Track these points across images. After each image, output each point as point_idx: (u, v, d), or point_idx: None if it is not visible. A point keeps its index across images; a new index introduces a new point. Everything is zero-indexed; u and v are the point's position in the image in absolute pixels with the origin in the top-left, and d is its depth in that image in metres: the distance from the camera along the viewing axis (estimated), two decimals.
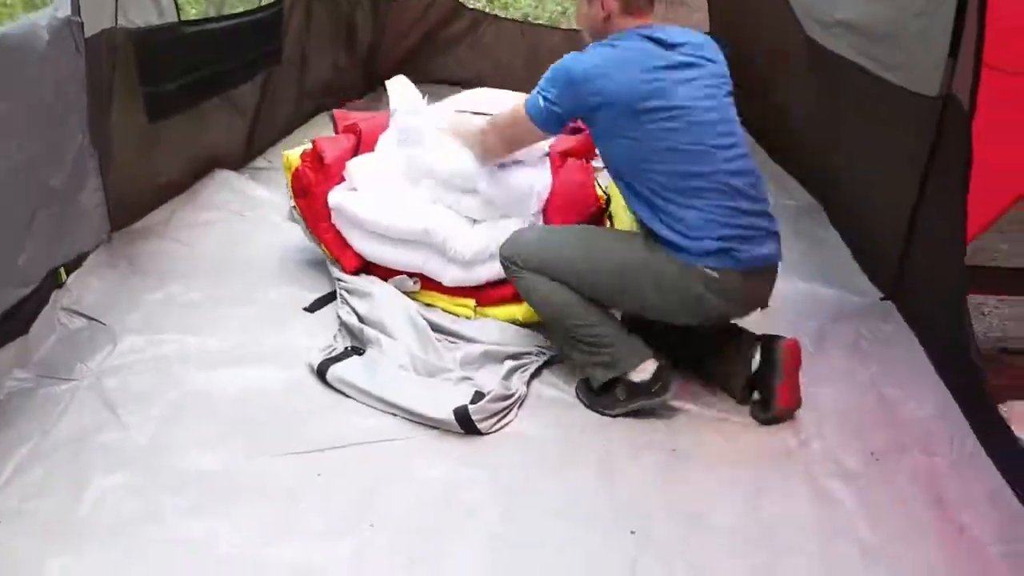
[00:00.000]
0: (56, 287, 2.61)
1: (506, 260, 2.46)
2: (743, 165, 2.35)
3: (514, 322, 2.69)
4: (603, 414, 2.37)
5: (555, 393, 2.47)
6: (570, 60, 2.32)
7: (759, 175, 2.41)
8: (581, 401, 2.43)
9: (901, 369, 2.62)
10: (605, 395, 2.40)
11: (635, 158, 2.29)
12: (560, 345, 2.54)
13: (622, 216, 2.72)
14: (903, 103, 2.85)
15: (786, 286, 3.15)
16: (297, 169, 2.96)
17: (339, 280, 2.83)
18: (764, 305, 2.46)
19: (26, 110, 2.02)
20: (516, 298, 2.62)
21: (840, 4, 3.37)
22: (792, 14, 3.99)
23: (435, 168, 2.75)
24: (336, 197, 2.81)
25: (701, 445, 2.26)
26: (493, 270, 2.68)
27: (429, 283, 2.80)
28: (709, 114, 2.30)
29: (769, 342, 2.37)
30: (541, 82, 2.36)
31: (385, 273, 2.83)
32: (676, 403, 2.40)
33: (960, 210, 2.46)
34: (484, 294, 2.76)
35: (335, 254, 2.87)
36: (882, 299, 3.05)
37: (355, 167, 2.86)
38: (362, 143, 3.02)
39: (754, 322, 2.84)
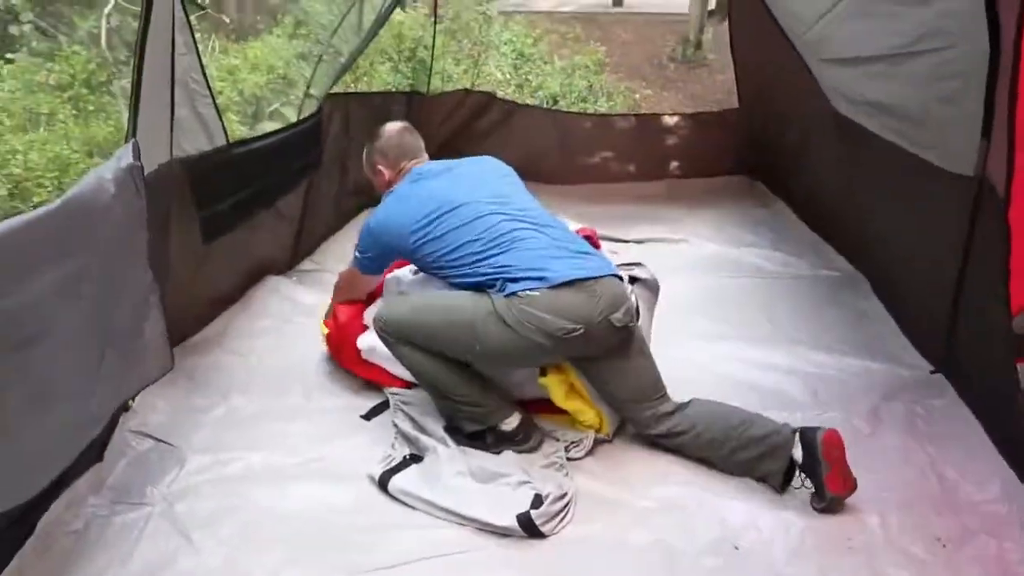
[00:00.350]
0: (124, 410, 2.69)
1: (380, 331, 2.70)
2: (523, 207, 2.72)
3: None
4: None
5: (596, 485, 2.49)
6: (371, 219, 2.83)
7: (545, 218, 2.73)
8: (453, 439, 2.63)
9: (959, 447, 2.60)
10: (477, 440, 2.64)
11: (449, 254, 2.63)
12: (435, 402, 2.75)
13: None
14: (940, 181, 2.88)
15: (835, 362, 3.19)
16: (327, 336, 3.13)
17: (392, 393, 2.91)
18: (629, 319, 2.55)
19: (95, 261, 2.11)
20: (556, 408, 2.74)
21: (869, 86, 3.43)
22: (820, 90, 4.07)
23: None
24: (366, 341, 2.92)
25: (762, 541, 2.25)
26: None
27: None
28: (472, 199, 2.69)
29: (808, 434, 2.40)
30: (358, 242, 2.86)
31: None
32: (735, 497, 2.42)
33: (1003, 286, 2.48)
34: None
35: (387, 383, 2.96)
36: (932, 372, 3.04)
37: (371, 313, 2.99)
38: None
39: (810, 402, 2.87)
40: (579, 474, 2.54)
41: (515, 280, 2.49)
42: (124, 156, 2.28)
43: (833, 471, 2.33)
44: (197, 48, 3.01)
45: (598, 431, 2.71)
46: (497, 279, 2.52)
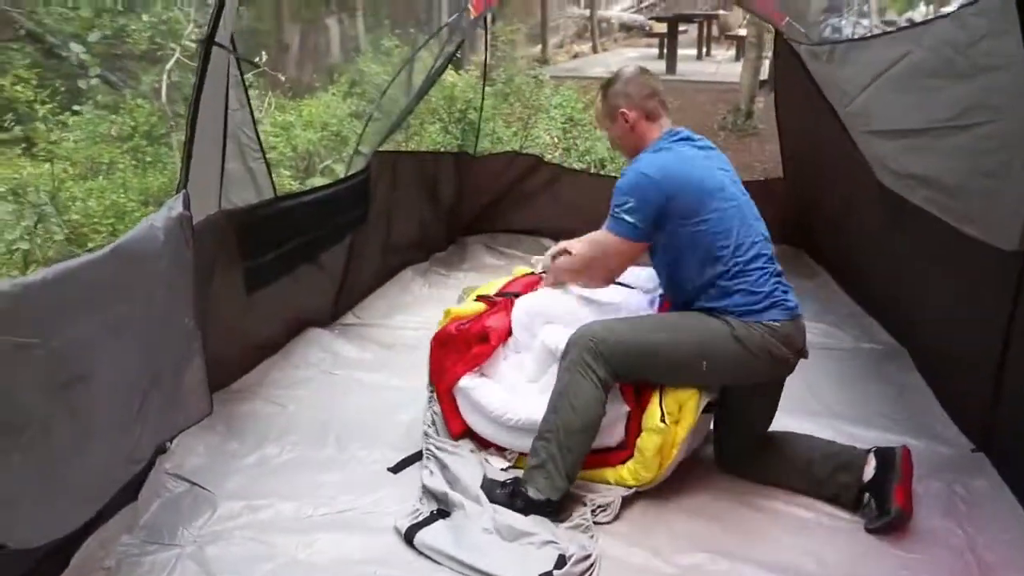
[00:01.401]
0: (161, 452, 2.75)
1: (582, 347, 2.57)
2: (767, 234, 2.72)
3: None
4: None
5: (620, 549, 2.47)
6: (636, 168, 2.65)
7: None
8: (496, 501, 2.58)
9: (999, 529, 2.53)
10: (515, 499, 2.57)
11: (701, 245, 2.59)
12: (540, 449, 2.59)
13: None
14: (982, 256, 2.87)
15: (875, 436, 3.14)
16: (441, 327, 3.09)
17: (429, 438, 2.92)
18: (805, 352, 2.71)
19: (140, 307, 2.18)
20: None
21: (911, 159, 3.43)
22: (864, 161, 4.07)
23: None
24: (467, 382, 2.91)
25: None
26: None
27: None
28: (744, 196, 2.71)
29: (884, 450, 2.65)
30: (614, 202, 2.64)
31: (482, 444, 2.93)
32: (761, 564, 2.38)
33: None
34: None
35: (445, 415, 2.97)
36: (973, 451, 2.98)
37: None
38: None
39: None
40: (605, 536, 2.52)
41: (760, 308, 2.56)
42: (175, 206, 2.36)
43: (903, 483, 2.52)
44: (250, 104, 3.12)
45: (631, 485, 2.69)
46: (735, 303, 2.56)
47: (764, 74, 9.43)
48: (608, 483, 2.72)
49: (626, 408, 2.71)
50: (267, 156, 3.36)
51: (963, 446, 3.03)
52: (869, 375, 3.75)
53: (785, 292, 2.64)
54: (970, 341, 3.09)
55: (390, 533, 2.52)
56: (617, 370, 2.57)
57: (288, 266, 3.66)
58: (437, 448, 2.86)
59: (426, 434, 2.96)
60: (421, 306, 4.63)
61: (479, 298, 3.20)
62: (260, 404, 3.29)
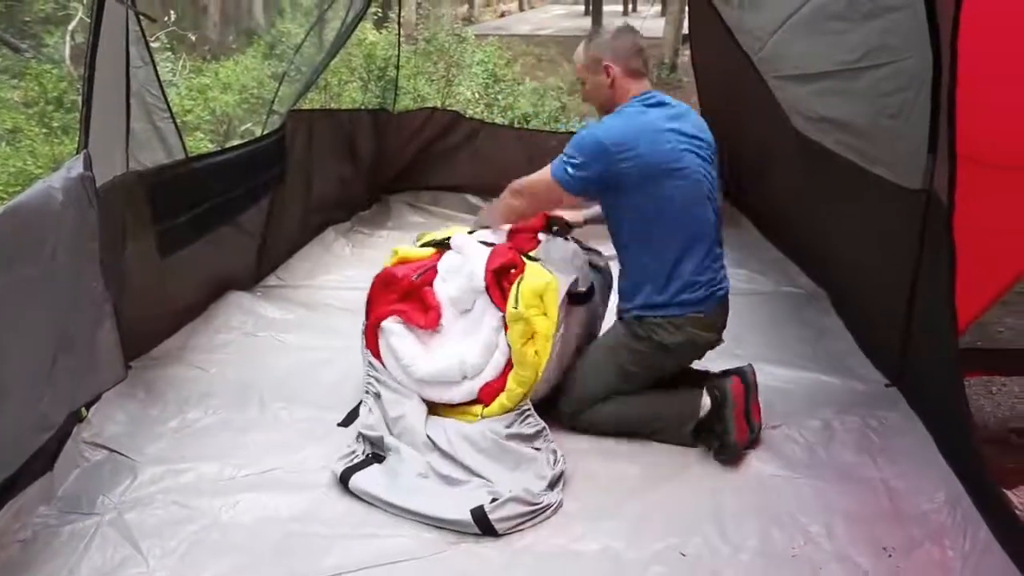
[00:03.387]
0: (78, 421, 2.68)
1: (572, 420, 2.81)
2: (715, 215, 2.79)
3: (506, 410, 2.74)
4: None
5: (575, 505, 2.48)
6: (598, 129, 2.70)
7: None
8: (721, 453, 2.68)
9: (909, 459, 2.63)
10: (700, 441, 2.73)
11: (647, 219, 2.68)
12: (650, 435, 2.78)
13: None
14: (891, 195, 2.94)
15: (792, 375, 3.22)
16: (384, 268, 3.05)
17: (371, 370, 2.89)
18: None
19: (44, 269, 2.12)
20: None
21: (823, 103, 3.49)
22: (780, 108, 4.13)
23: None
24: (388, 324, 2.88)
25: (708, 547, 2.26)
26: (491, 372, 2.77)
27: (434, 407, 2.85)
28: (702, 172, 2.71)
29: (717, 383, 2.72)
30: (567, 150, 2.71)
31: None
32: (684, 505, 2.44)
33: (949, 299, 2.52)
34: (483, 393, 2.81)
35: (368, 346, 2.94)
36: (887, 386, 3.07)
37: None
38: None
39: (765, 414, 2.88)
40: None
41: (690, 301, 2.73)
42: (74, 166, 2.29)
43: (738, 408, 2.65)
44: (154, 62, 3.02)
45: (521, 394, 2.72)
46: (664, 301, 2.71)
47: (687, 27, 9.50)
48: (505, 406, 2.73)
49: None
50: (183, 120, 3.28)
51: (878, 382, 3.13)
52: (790, 318, 3.83)
53: (718, 280, 2.79)
54: (882, 281, 3.18)
55: (315, 489, 2.51)
56: (592, 418, 2.80)
57: (203, 228, 3.58)
58: (377, 381, 2.84)
59: (369, 364, 2.92)
60: (344, 266, 4.61)
61: (427, 244, 3.17)
62: (181, 369, 3.23)
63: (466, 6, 13.91)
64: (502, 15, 14.84)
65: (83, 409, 2.72)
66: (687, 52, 9.62)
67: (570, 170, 2.67)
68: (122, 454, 2.65)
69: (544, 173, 2.76)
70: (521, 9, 14.99)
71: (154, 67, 3.03)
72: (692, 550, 2.25)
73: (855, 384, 3.13)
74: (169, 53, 6.81)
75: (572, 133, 6.75)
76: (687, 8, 7.95)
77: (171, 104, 3.23)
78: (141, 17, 2.88)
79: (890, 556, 2.22)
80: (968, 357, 3.38)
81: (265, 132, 4.34)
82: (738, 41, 4.49)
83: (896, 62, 2.73)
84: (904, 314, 2.93)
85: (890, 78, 2.78)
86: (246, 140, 4.51)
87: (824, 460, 2.66)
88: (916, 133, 2.66)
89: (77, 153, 2.40)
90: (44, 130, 5.32)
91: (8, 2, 5.88)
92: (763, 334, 3.66)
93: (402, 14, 6.15)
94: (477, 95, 7.85)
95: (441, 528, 2.32)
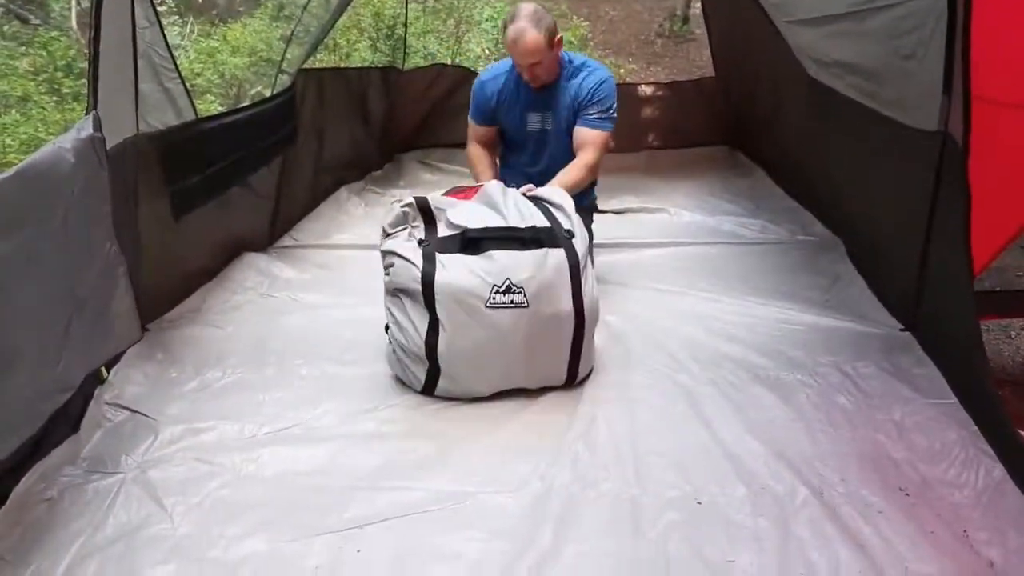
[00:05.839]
0: (99, 383, 2.72)
1: None
2: None
3: None
4: None
5: (589, 454, 2.49)
6: (606, 73, 3.42)
7: None
8: None
9: (924, 402, 2.63)
10: None
11: None
12: None
13: None
14: (905, 139, 2.91)
15: (808, 321, 3.21)
16: None
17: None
18: None
19: (56, 231, 2.12)
20: None
21: (835, 46, 3.44)
22: (792, 54, 4.07)
23: None
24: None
25: (724, 495, 2.28)
26: None
27: None
28: None
29: None
30: (607, 103, 3.39)
31: None
32: (696, 452, 2.45)
33: (964, 241, 2.50)
34: None
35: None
36: (902, 331, 3.07)
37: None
38: None
39: (777, 360, 2.88)
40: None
41: None
42: (84, 128, 2.29)
43: None
44: (160, 22, 3.00)
45: None
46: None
47: None
48: None
49: None
50: (193, 84, 3.27)
51: (892, 327, 3.12)
52: (804, 266, 3.82)
53: None
54: (898, 226, 3.15)
55: (335, 442, 2.54)
56: None
57: (216, 189, 3.58)
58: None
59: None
60: (358, 225, 4.61)
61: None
62: (198, 330, 3.25)
63: None
64: None
65: (103, 371, 2.76)
66: (698, 4, 9.49)
67: (615, 116, 3.41)
68: (143, 414, 2.68)
69: (604, 135, 3.40)
70: None
71: (160, 27, 3.01)
72: (707, 497, 2.27)
73: (870, 329, 3.13)
74: (176, 17, 6.77)
75: None
76: None
77: (180, 68, 3.21)
78: None
79: (907, 495, 2.24)
80: (986, 301, 3.38)
81: (275, 92, 4.32)
82: None
83: (910, 1, 2.68)
84: (919, 258, 2.92)
85: (904, 17, 2.73)
86: (256, 101, 4.48)
87: (838, 404, 2.66)
88: (931, 73, 2.62)
89: (86, 114, 2.40)
90: (55, 97, 5.31)
91: None
92: (777, 281, 3.66)
93: None
94: (487, 52, 7.78)
95: (460, 481, 2.35)
